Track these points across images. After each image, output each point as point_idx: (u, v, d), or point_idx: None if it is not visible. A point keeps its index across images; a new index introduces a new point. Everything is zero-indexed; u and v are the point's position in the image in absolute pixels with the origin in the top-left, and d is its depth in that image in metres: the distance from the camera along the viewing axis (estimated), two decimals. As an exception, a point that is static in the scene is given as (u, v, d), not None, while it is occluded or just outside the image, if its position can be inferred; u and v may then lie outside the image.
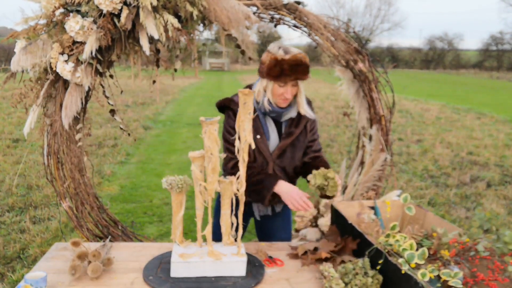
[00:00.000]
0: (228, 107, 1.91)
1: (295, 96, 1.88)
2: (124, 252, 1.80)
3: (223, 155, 1.60)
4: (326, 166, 1.91)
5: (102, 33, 1.93)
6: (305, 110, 1.92)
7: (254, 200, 1.93)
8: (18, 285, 1.48)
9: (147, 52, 2.00)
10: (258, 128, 1.89)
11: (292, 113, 1.92)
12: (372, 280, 1.45)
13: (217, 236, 1.73)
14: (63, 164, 2.20)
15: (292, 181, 2.03)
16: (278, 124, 1.94)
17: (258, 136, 1.89)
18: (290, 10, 2.41)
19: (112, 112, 2.34)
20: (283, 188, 1.80)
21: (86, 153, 2.32)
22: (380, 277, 1.46)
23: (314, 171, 1.72)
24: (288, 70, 1.75)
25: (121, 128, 2.40)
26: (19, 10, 2.05)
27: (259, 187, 1.83)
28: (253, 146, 1.56)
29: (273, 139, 1.93)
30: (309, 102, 1.99)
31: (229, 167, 1.91)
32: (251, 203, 2.07)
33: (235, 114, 1.85)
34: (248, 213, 2.06)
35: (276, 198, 1.83)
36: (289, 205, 1.77)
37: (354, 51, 2.59)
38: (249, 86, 1.97)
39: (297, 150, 1.97)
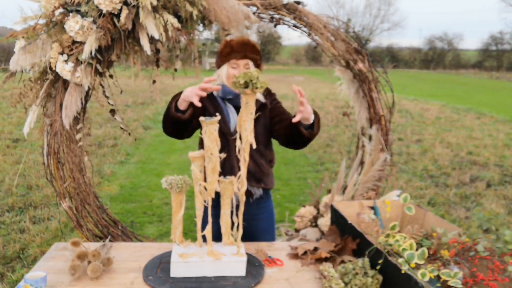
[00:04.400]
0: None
1: None
2: (124, 252, 1.80)
3: (223, 155, 1.60)
4: (318, 117, 1.95)
5: (102, 33, 1.93)
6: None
7: (168, 120, 1.90)
8: (18, 285, 1.48)
9: (149, 52, 2.00)
10: (217, 107, 1.98)
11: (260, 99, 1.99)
12: (372, 280, 1.45)
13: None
14: (63, 164, 2.20)
15: (265, 155, 2.04)
16: (238, 110, 1.95)
17: (217, 114, 1.90)
18: (290, 10, 2.41)
19: (113, 112, 2.34)
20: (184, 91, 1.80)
21: (87, 153, 2.32)
22: (380, 277, 1.46)
23: (236, 74, 1.60)
24: (237, 47, 1.92)
25: (121, 128, 2.40)
26: (18, 9, 2.05)
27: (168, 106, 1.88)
28: (254, 146, 1.56)
29: (233, 122, 1.98)
30: (272, 93, 2.09)
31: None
32: None
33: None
34: None
35: (185, 111, 1.82)
36: (193, 94, 1.72)
37: (354, 51, 2.59)
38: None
39: (258, 126, 1.93)
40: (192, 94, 1.73)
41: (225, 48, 1.94)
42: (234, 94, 1.96)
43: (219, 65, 2.00)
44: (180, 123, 1.86)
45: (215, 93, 2.00)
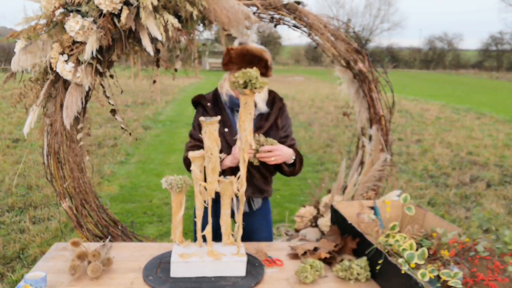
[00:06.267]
0: (199, 103, 2.04)
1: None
2: (124, 252, 1.80)
3: (223, 155, 1.60)
4: (300, 156, 2.01)
5: (102, 33, 1.93)
6: (260, 105, 1.97)
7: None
8: (18, 285, 1.48)
9: (151, 53, 2.00)
10: (225, 121, 1.98)
11: (261, 109, 1.99)
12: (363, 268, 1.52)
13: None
14: (63, 164, 2.20)
15: (269, 175, 2.06)
16: None
17: (226, 130, 1.96)
18: (290, 10, 2.40)
19: (113, 112, 2.34)
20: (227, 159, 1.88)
21: (88, 153, 2.32)
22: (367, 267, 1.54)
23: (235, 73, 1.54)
24: (235, 58, 1.87)
25: (122, 128, 2.40)
26: (21, 9, 2.05)
27: None
28: (254, 146, 1.56)
29: None
30: (279, 99, 2.05)
31: (186, 149, 2.01)
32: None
33: (204, 108, 2.00)
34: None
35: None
36: (235, 160, 1.83)
37: (354, 51, 2.59)
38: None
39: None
40: (235, 159, 1.83)
41: (225, 57, 1.90)
42: (237, 103, 1.95)
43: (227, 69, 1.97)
44: None
45: (224, 99, 1.99)
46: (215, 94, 2.03)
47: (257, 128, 1.98)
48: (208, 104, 2.00)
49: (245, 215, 2.10)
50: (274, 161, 1.84)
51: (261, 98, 1.99)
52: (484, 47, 37.75)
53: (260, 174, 2.02)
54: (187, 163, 1.96)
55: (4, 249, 3.27)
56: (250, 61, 1.86)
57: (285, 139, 2.03)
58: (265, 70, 1.89)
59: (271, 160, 1.83)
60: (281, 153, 1.84)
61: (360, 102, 2.76)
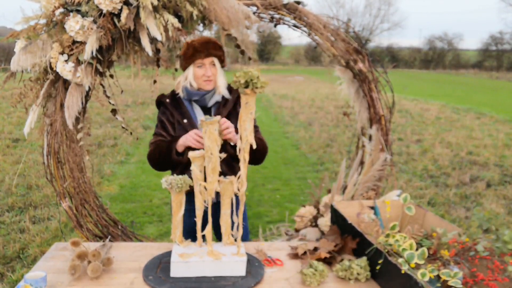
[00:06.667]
0: (161, 102, 2.10)
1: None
2: (124, 252, 1.80)
3: (223, 155, 1.60)
4: (262, 143, 2.01)
5: (102, 33, 1.93)
6: (223, 91, 2.02)
7: (166, 162, 1.98)
8: (18, 285, 1.48)
9: (150, 53, 2.01)
10: (184, 113, 2.03)
11: (217, 97, 2.04)
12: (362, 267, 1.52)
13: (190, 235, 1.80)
14: (63, 163, 2.20)
15: (233, 163, 2.04)
16: (207, 111, 2.06)
17: (186, 121, 2.01)
18: (290, 10, 2.41)
19: (114, 111, 2.34)
20: (181, 138, 1.91)
21: (88, 153, 2.32)
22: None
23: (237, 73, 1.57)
24: (199, 47, 1.94)
25: (123, 127, 2.40)
26: (20, 9, 2.05)
27: (165, 150, 1.96)
28: (254, 146, 1.56)
29: None
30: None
31: (149, 145, 2.06)
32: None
33: (165, 106, 2.07)
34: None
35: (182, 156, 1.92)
36: (188, 143, 1.86)
37: (354, 51, 2.59)
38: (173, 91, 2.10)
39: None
40: (190, 140, 1.84)
41: (188, 50, 1.96)
42: (199, 94, 2.00)
43: (184, 67, 2.02)
44: (176, 162, 1.95)
45: (181, 95, 2.05)
46: (173, 92, 2.10)
47: (215, 115, 2.00)
48: (167, 100, 2.07)
49: (214, 209, 2.06)
50: (229, 136, 1.83)
51: (224, 85, 2.04)
52: (484, 47, 37.71)
53: (226, 164, 1.98)
54: (151, 159, 2.03)
55: (4, 249, 3.27)
56: (214, 48, 1.97)
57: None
58: (224, 57, 2.02)
59: (230, 135, 1.83)
60: (233, 128, 1.85)
61: (360, 102, 2.76)
